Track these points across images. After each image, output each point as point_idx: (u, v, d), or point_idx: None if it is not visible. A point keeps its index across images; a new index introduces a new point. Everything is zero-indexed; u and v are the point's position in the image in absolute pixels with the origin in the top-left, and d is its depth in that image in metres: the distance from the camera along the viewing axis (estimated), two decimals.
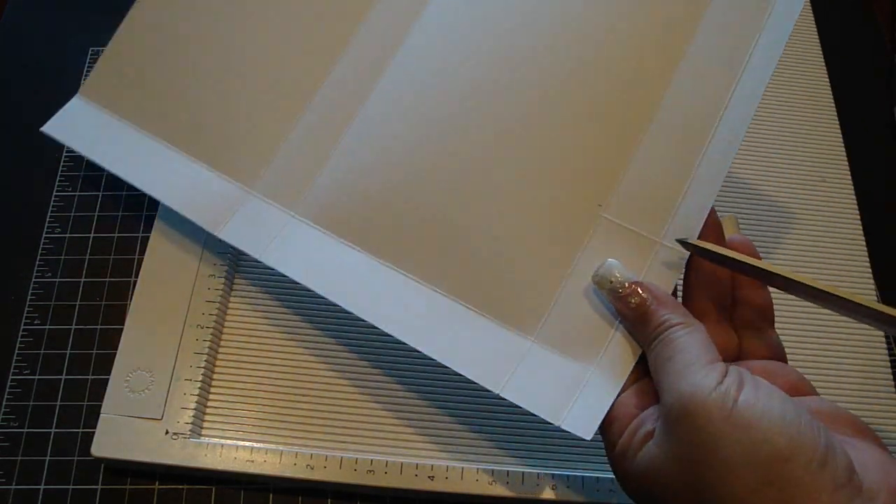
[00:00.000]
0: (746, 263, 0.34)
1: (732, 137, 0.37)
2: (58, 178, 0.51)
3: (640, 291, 0.34)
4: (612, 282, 0.35)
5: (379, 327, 0.37)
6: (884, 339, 0.46)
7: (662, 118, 0.38)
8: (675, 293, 0.36)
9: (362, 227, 0.40)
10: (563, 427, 0.33)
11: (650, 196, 0.37)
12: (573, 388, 0.34)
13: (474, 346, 0.36)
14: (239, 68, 0.46)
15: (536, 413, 0.33)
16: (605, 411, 0.33)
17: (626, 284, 0.35)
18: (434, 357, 0.35)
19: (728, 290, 0.36)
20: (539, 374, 0.35)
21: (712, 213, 0.36)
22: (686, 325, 0.33)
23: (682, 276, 0.36)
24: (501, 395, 0.34)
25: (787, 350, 0.35)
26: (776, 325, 0.35)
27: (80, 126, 0.46)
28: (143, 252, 0.47)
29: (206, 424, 0.42)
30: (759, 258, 0.35)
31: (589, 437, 0.32)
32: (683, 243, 0.36)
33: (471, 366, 0.35)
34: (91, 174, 0.51)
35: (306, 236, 0.41)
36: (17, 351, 0.45)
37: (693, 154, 0.37)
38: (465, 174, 0.39)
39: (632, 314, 0.35)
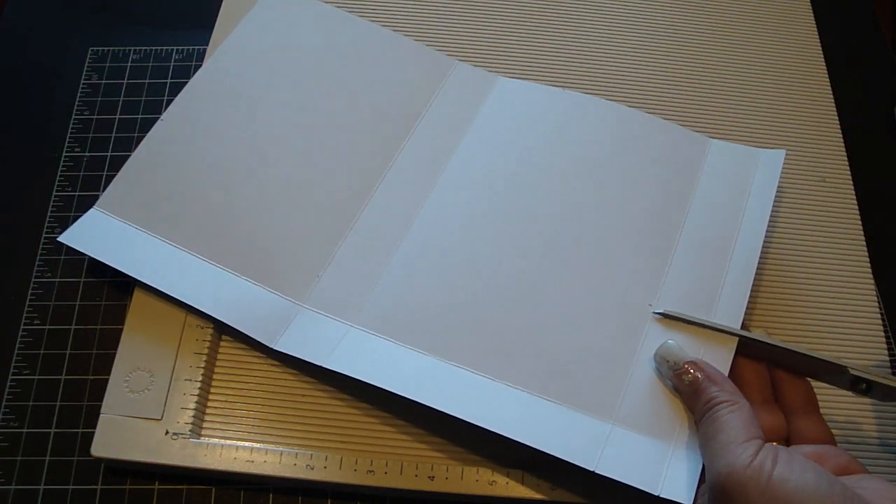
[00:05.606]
0: (732, 333, 0.39)
1: (751, 247, 0.44)
2: (58, 178, 0.51)
3: (693, 370, 0.37)
4: (668, 360, 0.39)
5: (468, 420, 0.38)
6: (883, 340, 0.46)
7: (686, 237, 0.45)
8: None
9: (424, 333, 0.42)
10: (662, 495, 0.36)
11: (691, 295, 0.43)
12: (661, 461, 0.37)
13: (561, 431, 0.39)
14: (278, 187, 0.47)
15: (635, 485, 0.36)
16: (698, 477, 0.36)
17: (682, 363, 0.38)
18: (526, 443, 0.38)
19: (769, 384, 0.38)
20: (626, 452, 0.38)
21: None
22: (731, 403, 0.35)
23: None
24: (597, 471, 0.37)
25: None
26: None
27: (104, 238, 0.45)
28: None
29: (205, 424, 0.42)
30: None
31: (690, 503, 0.35)
32: (664, 315, 0.41)
33: (563, 449, 0.37)
34: (91, 174, 0.51)
35: (371, 343, 0.42)
36: (17, 351, 0.45)
37: (719, 263, 0.44)
38: (524, 286, 0.43)
39: (686, 390, 0.38)
